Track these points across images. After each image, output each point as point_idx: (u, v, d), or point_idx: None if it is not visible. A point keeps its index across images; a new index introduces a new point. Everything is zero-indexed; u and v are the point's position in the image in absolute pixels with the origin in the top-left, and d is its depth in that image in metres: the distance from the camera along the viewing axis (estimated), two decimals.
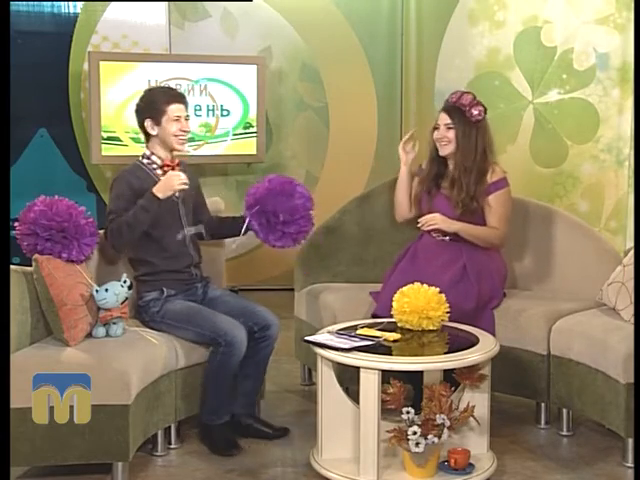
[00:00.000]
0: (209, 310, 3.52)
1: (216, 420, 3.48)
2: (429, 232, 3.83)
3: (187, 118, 3.59)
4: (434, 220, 3.72)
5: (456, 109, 3.74)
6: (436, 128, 3.79)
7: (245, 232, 3.68)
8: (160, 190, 3.43)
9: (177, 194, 3.56)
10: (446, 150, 3.77)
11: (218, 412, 3.48)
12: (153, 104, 3.55)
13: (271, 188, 3.59)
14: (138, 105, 3.61)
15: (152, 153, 3.59)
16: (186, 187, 3.48)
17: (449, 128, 3.74)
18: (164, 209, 3.51)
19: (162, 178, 3.52)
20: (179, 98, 3.60)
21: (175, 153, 3.62)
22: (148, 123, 3.54)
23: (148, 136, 3.59)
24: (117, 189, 3.51)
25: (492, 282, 3.78)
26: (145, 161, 3.59)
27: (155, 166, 3.58)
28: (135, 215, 3.41)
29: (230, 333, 3.39)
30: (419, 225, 3.77)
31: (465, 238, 3.75)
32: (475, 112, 3.71)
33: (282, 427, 3.62)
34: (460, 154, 3.73)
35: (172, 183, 3.44)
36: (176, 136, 3.54)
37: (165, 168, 3.57)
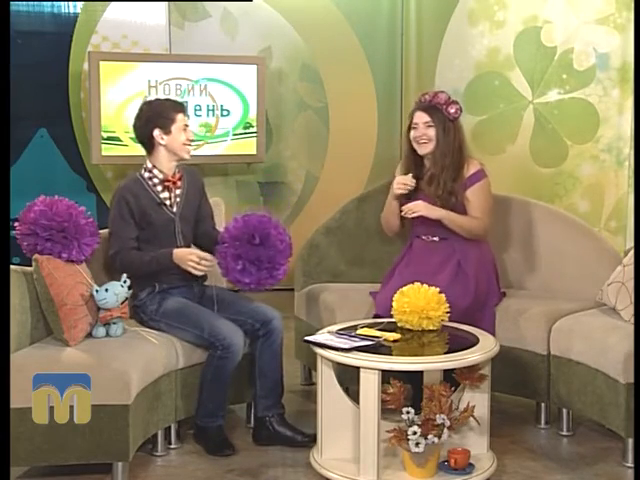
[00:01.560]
0: (209, 312, 3.52)
1: (211, 422, 3.48)
2: (418, 236, 3.84)
3: (188, 126, 3.62)
4: (417, 207, 3.71)
5: (433, 108, 3.73)
6: (413, 127, 3.77)
7: None
8: (177, 258, 3.46)
9: (174, 209, 3.59)
10: (426, 149, 3.75)
11: (214, 415, 3.48)
12: (162, 113, 3.55)
13: (244, 230, 3.42)
14: (142, 117, 3.58)
15: (154, 166, 3.58)
16: (198, 273, 3.48)
17: (429, 126, 3.73)
18: (161, 226, 3.54)
19: (162, 195, 3.57)
20: (183, 108, 3.64)
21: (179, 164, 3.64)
22: (157, 133, 3.53)
23: (152, 148, 3.57)
24: (117, 209, 3.52)
25: (488, 276, 3.79)
26: (146, 175, 3.58)
27: (156, 181, 3.58)
28: (149, 263, 3.48)
29: (228, 337, 3.39)
30: (402, 213, 3.76)
31: (450, 228, 3.73)
32: (452, 110, 3.72)
33: (312, 433, 3.45)
34: (439, 152, 3.73)
35: (187, 263, 3.44)
36: (185, 145, 3.56)
37: (166, 183, 3.58)
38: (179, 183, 3.61)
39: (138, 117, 3.61)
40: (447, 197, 3.73)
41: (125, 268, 3.48)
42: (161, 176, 3.57)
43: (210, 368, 3.43)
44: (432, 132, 3.73)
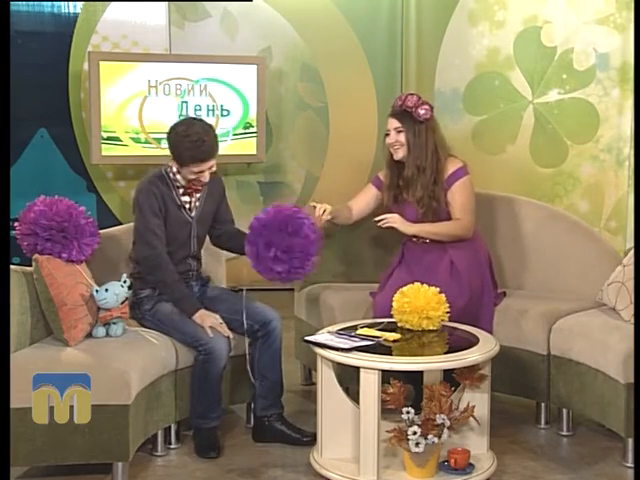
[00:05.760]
0: None
1: (204, 424, 3.49)
2: (409, 239, 3.84)
3: (211, 168, 3.49)
4: (392, 219, 3.74)
5: (403, 112, 3.75)
6: (387, 134, 3.81)
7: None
8: (198, 317, 3.42)
9: (193, 213, 3.58)
10: (400, 153, 3.78)
11: (205, 417, 3.48)
12: (178, 155, 3.45)
13: (276, 218, 3.39)
14: (169, 140, 3.49)
15: (178, 171, 3.53)
16: (210, 333, 3.41)
17: (399, 132, 3.76)
18: (177, 227, 3.54)
19: (183, 199, 3.54)
20: (207, 156, 3.44)
21: None
22: (173, 162, 3.51)
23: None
24: (148, 204, 3.46)
25: (482, 274, 3.78)
26: (171, 175, 3.55)
27: (178, 184, 3.56)
28: (172, 292, 3.47)
29: (211, 342, 3.39)
30: (378, 223, 3.76)
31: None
32: (422, 112, 3.73)
33: (312, 432, 3.46)
34: (412, 155, 3.74)
35: (207, 321, 3.41)
36: (191, 181, 3.52)
37: (188, 190, 3.56)
38: (201, 188, 3.58)
39: (170, 132, 3.51)
40: (428, 201, 3.74)
41: (149, 268, 3.49)
42: (184, 182, 3.55)
43: (195, 372, 3.45)
44: (403, 137, 3.75)
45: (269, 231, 3.37)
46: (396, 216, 3.76)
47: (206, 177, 3.51)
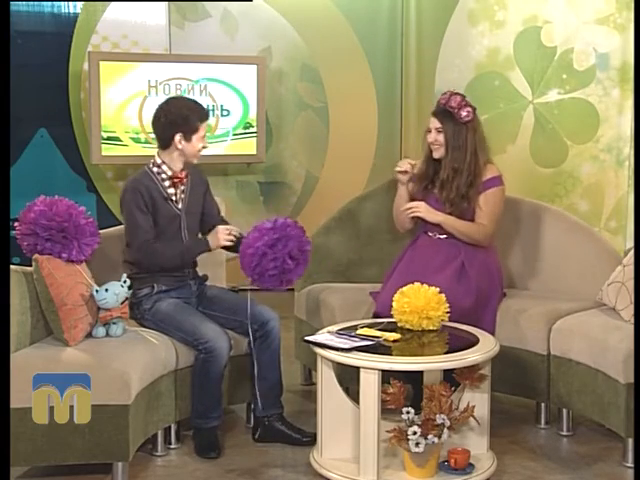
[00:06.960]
0: (197, 315, 3.52)
1: (204, 424, 3.49)
2: (425, 232, 3.85)
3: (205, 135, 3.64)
4: (418, 208, 3.77)
5: (445, 112, 3.75)
6: (428, 132, 3.82)
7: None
8: (215, 244, 3.56)
9: (180, 205, 3.60)
10: (438, 153, 3.79)
11: (205, 416, 3.48)
12: (187, 120, 3.51)
13: (274, 237, 3.37)
14: (167, 115, 3.53)
15: (163, 162, 3.58)
16: (230, 244, 3.55)
17: (439, 132, 3.77)
18: (167, 220, 3.56)
19: (169, 191, 3.57)
20: (208, 115, 3.65)
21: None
22: (178, 138, 3.51)
23: (166, 147, 3.56)
24: (134, 201, 3.49)
25: (491, 278, 3.78)
26: (155, 170, 3.58)
27: (165, 176, 3.58)
28: (181, 254, 3.56)
29: (211, 341, 3.39)
30: (403, 210, 3.81)
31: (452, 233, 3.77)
32: (464, 114, 3.73)
33: (312, 432, 3.46)
34: (450, 156, 3.75)
35: (219, 238, 3.55)
36: (198, 151, 3.58)
37: (175, 180, 3.58)
38: (185, 180, 3.62)
39: (163, 113, 3.55)
40: (459, 201, 3.75)
41: (152, 261, 3.52)
42: (170, 173, 3.58)
43: (196, 371, 3.45)
44: (442, 138, 3.76)
45: (272, 250, 3.37)
46: (422, 204, 3.78)
47: (207, 142, 3.64)
